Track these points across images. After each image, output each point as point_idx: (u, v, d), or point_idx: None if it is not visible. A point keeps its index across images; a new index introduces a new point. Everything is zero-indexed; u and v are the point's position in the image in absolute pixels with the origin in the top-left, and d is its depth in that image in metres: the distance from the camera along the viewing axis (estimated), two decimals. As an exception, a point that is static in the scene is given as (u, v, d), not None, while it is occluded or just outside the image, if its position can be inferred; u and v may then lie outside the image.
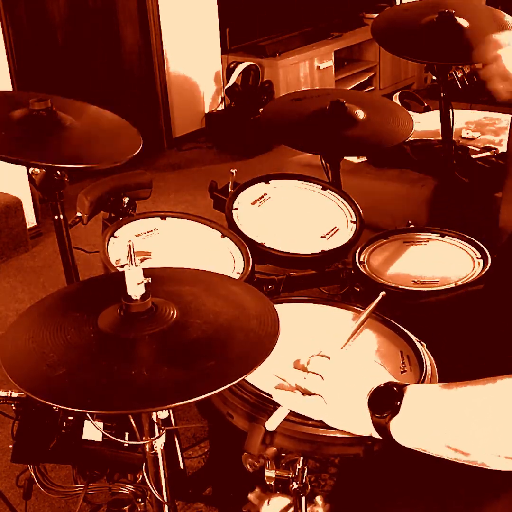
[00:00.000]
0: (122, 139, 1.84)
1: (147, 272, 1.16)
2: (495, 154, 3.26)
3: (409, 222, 2.08)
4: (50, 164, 1.69)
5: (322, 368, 1.16)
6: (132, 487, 1.52)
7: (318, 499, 1.22)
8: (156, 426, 1.23)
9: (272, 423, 1.12)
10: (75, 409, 1.08)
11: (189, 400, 1.03)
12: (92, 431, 1.44)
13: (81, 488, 1.49)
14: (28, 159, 1.71)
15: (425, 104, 4.69)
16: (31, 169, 1.84)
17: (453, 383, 1.07)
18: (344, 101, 2.16)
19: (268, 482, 1.19)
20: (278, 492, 1.23)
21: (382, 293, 1.40)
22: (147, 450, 1.26)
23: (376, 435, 1.10)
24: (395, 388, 1.09)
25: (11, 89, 3.81)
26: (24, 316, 1.22)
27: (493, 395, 1.02)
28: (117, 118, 1.93)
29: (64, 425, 1.44)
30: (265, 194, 2.02)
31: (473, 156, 3.23)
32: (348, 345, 1.31)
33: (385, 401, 1.09)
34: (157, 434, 1.23)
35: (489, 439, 1.01)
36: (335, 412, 1.12)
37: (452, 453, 1.04)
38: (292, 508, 1.22)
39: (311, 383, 1.15)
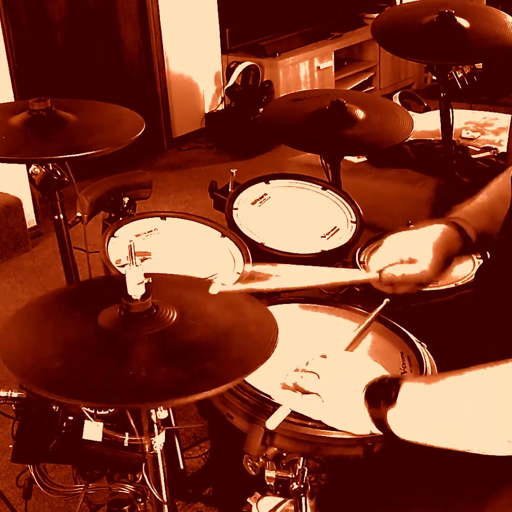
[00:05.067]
0: (124, 125, 1.84)
1: (148, 276, 1.16)
2: (495, 154, 3.27)
3: (409, 222, 2.08)
4: (52, 157, 1.69)
5: (318, 367, 1.17)
6: (132, 487, 1.52)
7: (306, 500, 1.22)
8: (155, 426, 1.23)
9: (272, 423, 1.12)
10: (72, 401, 1.08)
11: (186, 399, 1.03)
12: (92, 431, 1.44)
13: (81, 488, 1.49)
14: (29, 157, 1.71)
15: (425, 104, 4.69)
16: (31, 169, 1.84)
17: (448, 372, 1.08)
18: (344, 101, 2.16)
19: (268, 483, 1.19)
20: (268, 492, 1.23)
21: (386, 300, 1.40)
22: (147, 450, 1.26)
23: (375, 430, 1.10)
24: (390, 381, 1.10)
25: (11, 89, 3.81)
26: (23, 311, 1.22)
27: (488, 380, 1.03)
28: (117, 107, 1.94)
29: (64, 425, 1.44)
30: (265, 194, 2.03)
31: (473, 156, 3.23)
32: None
33: (381, 394, 1.09)
34: (156, 434, 1.23)
35: (486, 422, 1.02)
36: (332, 411, 1.12)
37: (450, 440, 1.04)
38: (282, 507, 1.22)
39: (307, 382, 1.15)
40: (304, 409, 1.14)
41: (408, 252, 1.40)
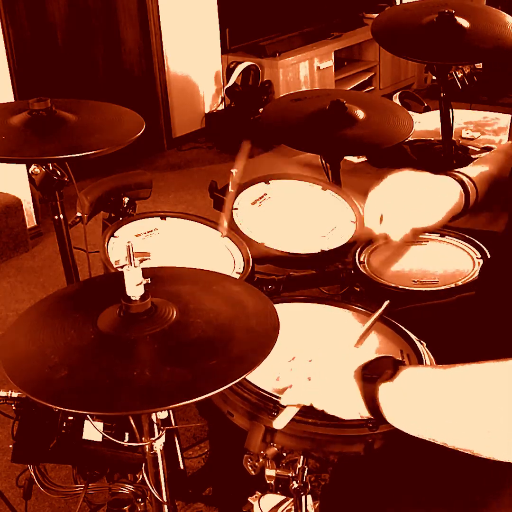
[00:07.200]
0: (124, 125, 1.85)
1: (146, 272, 1.16)
2: (495, 154, 3.27)
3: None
4: (52, 157, 1.69)
5: (310, 353, 1.16)
6: (132, 487, 1.52)
7: (309, 498, 1.22)
8: (155, 427, 1.23)
9: (280, 422, 1.12)
10: (77, 411, 1.08)
11: (191, 400, 1.03)
12: (92, 431, 1.44)
13: (81, 488, 1.49)
14: (29, 157, 1.71)
15: (425, 104, 4.70)
16: (31, 169, 1.84)
17: (448, 365, 1.05)
18: (344, 101, 2.16)
19: (268, 482, 1.19)
20: (268, 491, 1.23)
21: (387, 302, 1.40)
22: (147, 450, 1.26)
23: (364, 412, 1.08)
24: (390, 360, 1.08)
25: (11, 89, 3.81)
26: (23, 317, 1.22)
27: (495, 373, 1.01)
28: (117, 107, 1.94)
29: (64, 425, 1.44)
30: (265, 194, 2.03)
31: (473, 156, 3.23)
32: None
33: (377, 369, 1.07)
34: (156, 435, 1.23)
35: (490, 420, 0.99)
36: (323, 394, 1.11)
37: (446, 433, 1.01)
38: (283, 506, 1.22)
39: (298, 370, 1.15)
40: (297, 398, 1.13)
41: (408, 196, 1.37)
